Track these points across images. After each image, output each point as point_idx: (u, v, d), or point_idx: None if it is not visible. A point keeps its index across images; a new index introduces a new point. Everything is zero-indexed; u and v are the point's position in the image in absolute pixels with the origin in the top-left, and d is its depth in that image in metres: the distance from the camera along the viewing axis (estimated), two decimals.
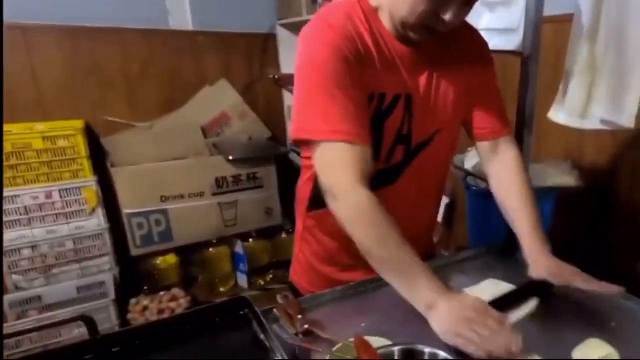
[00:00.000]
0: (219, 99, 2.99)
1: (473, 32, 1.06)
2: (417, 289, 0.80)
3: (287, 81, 3.05)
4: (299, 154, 3.03)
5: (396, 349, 0.74)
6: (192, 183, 2.69)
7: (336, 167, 0.85)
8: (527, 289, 0.90)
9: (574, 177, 1.35)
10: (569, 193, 1.37)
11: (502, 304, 0.83)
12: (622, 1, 0.93)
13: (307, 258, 1.20)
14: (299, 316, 0.90)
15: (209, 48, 2.94)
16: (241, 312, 0.94)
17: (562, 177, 1.34)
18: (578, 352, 0.77)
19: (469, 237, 1.34)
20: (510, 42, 1.48)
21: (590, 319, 0.86)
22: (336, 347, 0.79)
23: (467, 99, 1.03)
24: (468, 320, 0.74)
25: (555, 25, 1.14)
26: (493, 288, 0.95)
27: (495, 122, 1.06)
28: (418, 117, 0.96)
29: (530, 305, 0.87)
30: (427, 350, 0.72)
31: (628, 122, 0.94)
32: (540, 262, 0.92)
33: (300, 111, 0.89)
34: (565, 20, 1.07)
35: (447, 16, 0.83)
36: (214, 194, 2.77)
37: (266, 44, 3.07)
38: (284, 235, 2.98)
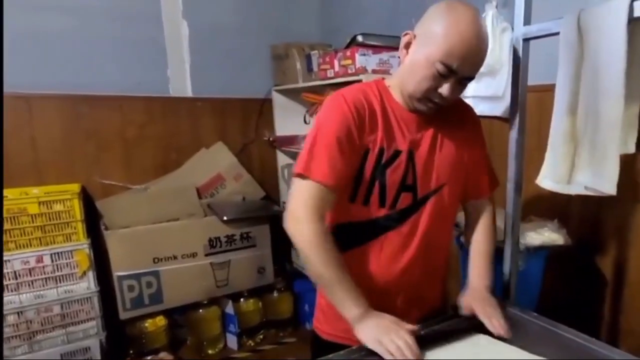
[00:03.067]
0: (215, 161, 2.99)
1: (468, 108, 1.24)
2: (347, 305, 1.01)
3: (281, 143, 3.07)
4: None
5: None
6: (185, 244, 2.62)
7: (306, 198, 1.02)
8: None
9: (562, 236, 1.34)
10: (558, 251, 1.37)
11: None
12: (595, 79, 0.97)
13: (330, 305, 1.17)
14: None
15: (206, 113, 2.98)
16: None
17: (551, 236, 1.33)
18: None
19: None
20: (496, 109, 1.52)
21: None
22: None
23: (464, 163, 1.15)
24: (384, 332, 0.95)
25: (539, 94, 1.18)
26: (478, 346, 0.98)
27: (484, 184, 1.22)
28: (421, 170, 1.10)
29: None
30: None
31: (610, 189, 0.96)
32: (470, 290, 1.16)
33: (303, 156, 1.07)
34: (548, 90, 1.10)
35: (444, 92, 1.02)
36: (207, 254, 2.70)
37: (262, 108, 3.12)
38: (275, 294, 2.90)
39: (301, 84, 2.77)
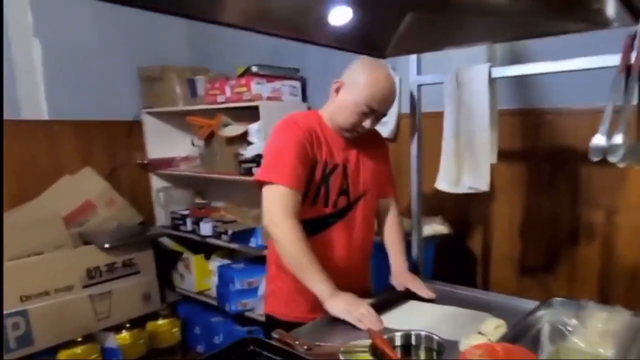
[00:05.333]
0: (82, 188, 2.99)
1: (378, 133, 1.74)
2: (320, 285, 1.39)
3: (156, 166, 3.26)
4: (169, 236, 3.22)
5: (398, 334, 1.16)
6: (58, 277, 2.59)
7: (278, 200, 1.40)
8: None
9: (446, 227, 2.02)
10: (443, 239, 2.04)
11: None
12: (469, 114, 1.64)
13: (284, 291, 1.59)
14: (296, 342, 1.25)
15: (67, 136, 2.99)
16: None
17: (438, 228, 1.99)
18: (483, 326, 1.27)
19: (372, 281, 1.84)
20: (385, 131, 2.12)
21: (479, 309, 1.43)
22: (341, 352, 1.15)
23: (379, 174, 1.67)
24: (352, 305, 1.35)
25: (432, 119, 1.81)
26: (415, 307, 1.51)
27: (390, 187, 1.75)
28: (352, 179, 1.57)
29: None
30: (423, 333, 1.16)
31: (485, 187, 1.63)
32: (395, 273, 1.66)
33: (267, 166, 1.46)
34: (439, 116, 1.73)
35: (367, 125, 1.50)
36: (85, 286, 2.72)
37: (131, 131, 3.26)
38: (160, 321, 3.02)
39: (182, 107, 3.05)
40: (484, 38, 1.23)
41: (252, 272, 2.75)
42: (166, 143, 3.32)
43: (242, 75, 2.66)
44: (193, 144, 3.02)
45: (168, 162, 3.27)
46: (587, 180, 2.00)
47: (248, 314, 2.73)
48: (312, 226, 1.51)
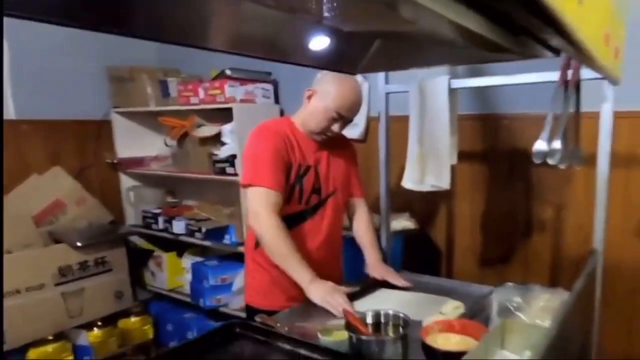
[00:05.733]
0: (51, 187, 3.04)
1: (346, 138, 1.94)
2: (301, 273, 1.57)
3: (125, 165, 3.34)
4: (141, 235, 3.30)
5: (369, 313, 1.34)
6: (30, 275, 2.65)
7: (261, 200, 1.58)
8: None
9: (412, 223, 2.22)
10: (410, 233, 2.25)
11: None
12: (432, 120, 1.84)
13: (262, 283, 1.76)
14: (277, 324, 1.41)
15: (34, 136, 3.03)
16: None
17: (405, 223, 2.19)
18: (444, 308, 1.47)
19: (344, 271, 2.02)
20: (354, 133, 2.30)
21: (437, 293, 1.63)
22: (319, 330, 1.32)
23: (347, 175, 1.86)
24: (330, 294, 1.52)
25: (400, 122, 2.00)
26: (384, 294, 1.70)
27: (358, 189, 1.92)
28: (323, 179, 1.75)
29: None
30: (391, 312, 1.34)
31: (446, 186, 1.84)
32: (373, 265, 1.82)
33: (249, 171, 1.64)
34: (405, 119, 1.93)
35: (336, 129, 1.69)
36: (57, 284, 2.78)
37: (100, 130, 3.33)
38: (132, 319, 3.10)
39: (154, 108, 3.14)
40: (442, 62, 1.44)
41: (226, 268, 2.88)
42: (136, 142, 3.40)
43: (216, 78, 2.79)
44: (166, 144, 3.12)
45: (138, 162, 3.35)
46: (539, 179, 2.26)
47: (222, 309, 2.86)
48: (288, 221, 1.68)
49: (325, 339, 1.29)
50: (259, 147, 1.65)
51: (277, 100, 3.05)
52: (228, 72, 2.75)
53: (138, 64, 3.27)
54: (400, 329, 1.29)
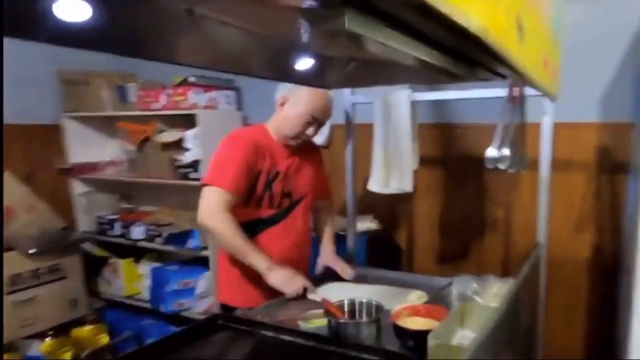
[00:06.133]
0: None
1: (314, 144, 2.17)
2: (259, 261, 1.78)
3: (78, 170, 3.43)
4: (95, 241, 3.40)
5: (345, 301, 1.58)
6: None
7: (216, 198, 1.77)
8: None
9: (375, 224, 2.50)
10: (374, 234, 2.52)
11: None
12: (395, 129, 2.12)
13: (235, 281, 1.95)
14: (258, 316, 1.63)
15: None
16: None
17: (369, 224, 2.46)
18: (409, 297, 1.74)
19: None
20: (319, 139, 2.55)
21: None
22: (298, 319, 1.55)
23: (315, 179, 2.09)
24: (291, 278, 1.78)
25: (364, 128, 2.26)
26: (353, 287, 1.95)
27: (326, 191, 2.18)
28: (292, 184, 1.96)
29: None
30: (365, 300, 1.58)
31: (409, 188, 2.12)
32: (325, 255, 2.10)
33: (211, 172, 1.82)
34: (369, 126, 2.21)
35: (310, 133, 1.90)
36: (8, 293, 2.85)
37: (50, 135, 3.39)
38: (86, 328, 3.17)
39: (111, 113, 3.27)
40: (407, 82, 1.77)
41: (188, 273, 3.04)
42: (89, 147, 3.48)
43: (179, 84, 2.96)
44: (126, 149, 3.25)
45: (91, 167, 3.44)
46: (490, 183, 2.62)
47: (184, 313, 3.01)
48: (261, 225, 1.91)
49: (305, 326, 1.52)
50: (227, 154, 1.84)
51: (239, 107, 3.25)
52: (192, 79, 2.93)
53: (91, 68, 3.36)
54: (374, 314, 1.53)
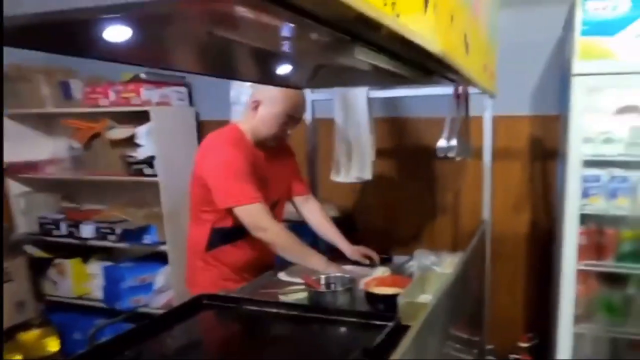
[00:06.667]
0: None
1: (288, 145, 2.39)
2: (317, 261, 2.03)
3: (16, 170, 3.53)
4: (38, 242, 3.55)
5: (322, 276, 1.93)
6: None
7: (259, 214, 1.98)
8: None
9: (335, 211, 2.88)
10: (336, 220, 2.91)
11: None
12: (355, 123, 2.52)
13: (213, 278, 2.18)
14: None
15: None
16: None
17: (330, 212, 2.84)
18: (374, 273, 2.12)
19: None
20: None
21: None
22: (279, 294, 1.89)
23: (290, 180, 2.37)
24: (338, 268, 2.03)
25: (324, 123, 2.64)
26: None
27: (305, 188, 2.43)
28: (272, 186, 2.16)
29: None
30: (338, 274, 1.95)
31: (368, 176, 2.52)
32: (351, 250, 2.30)
33: (232, 190, 1.97)
34: (329, 121, 2.59)
35: (289, 132, 2.12)
36: None
37: None
38: (33, 331, 3.31)
39: (52, 109, 3.43)
40: (366, 84, 2.16)
41: (145, 269, 3.30)
42: (27, 146, 3.59)
43: (130, 81, 3.19)
44: (72, 147, 3.42)
45: (31, 166, 3.55)
46: (440, 170, 3.10)
47: (142, 309, 3.25)
48: (240, 232, 2.05)
49: (286, 299, 1.86)
50: (228, 163, 1.99)
51: (191, 103, 3.53)
52: (143, 75, 3.17)
53: (25, 63, 3.43)
54: (347, 284, 1.90)
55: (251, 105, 2.08)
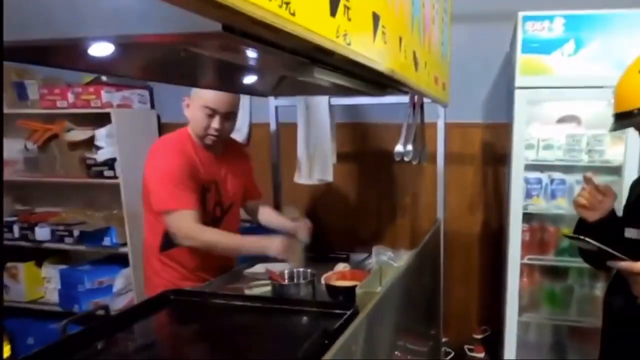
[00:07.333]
0: None
1: (242, 147, 2.75)
2: (256, 245, 2.27)
3: None
4: None
5: (285, 271, 2.21)
6: None
7: (188, 223, 2.14)
8: None
9: (297, 212, 3.18)
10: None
11: None
12: (317, 127, 2.85)
13: (171, 279, 2.33)
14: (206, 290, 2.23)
15: None
16: None
17: (293, 213, 3.14)
18: (336, 268, 2.42)
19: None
20: (239, 137, 3.16)
21: None
22: (245, 288, 2.16)
23: (243, 184, 2.61)
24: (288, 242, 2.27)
25: (289, 128, 2.94)
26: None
27: (257, 192, 2.68)
28: (223, 192, 2.38)
29: None
30: (301, 269, 2.23)
31: (330, 178, 2.87)
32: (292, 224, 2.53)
33: (166, 194, 2.15)
34: (293, 126, 2.89)
35: (215, 124, 2.21)
36: None
37: None
38: None
39: (12, 110, 3.58)
40: (327, 94, 2.47)
41: (104, 271, 3.53)
42: None
43: (90, 83, 3.40)
44: (26, 148, 3.60)
45: None
46: (399, 173, 3.48)
47: (101, 312, 3.43)
48: None
49: (251, 293, 2.13)
50: (167, 168, 2.16)
51: (152, 106, 3.79)
52: (104, 78, 3.38)
53: None
54: (308, 278, 2.18)
55: (185, 106, 2.30)
